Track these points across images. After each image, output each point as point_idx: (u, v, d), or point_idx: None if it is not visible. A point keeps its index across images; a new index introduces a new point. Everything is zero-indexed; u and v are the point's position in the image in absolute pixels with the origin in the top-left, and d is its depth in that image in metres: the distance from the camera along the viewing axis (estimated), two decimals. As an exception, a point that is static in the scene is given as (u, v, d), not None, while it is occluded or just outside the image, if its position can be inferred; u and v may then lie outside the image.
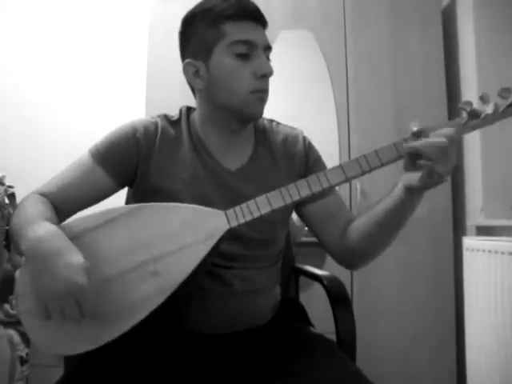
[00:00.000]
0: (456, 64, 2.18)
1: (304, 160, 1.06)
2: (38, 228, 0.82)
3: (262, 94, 0.96)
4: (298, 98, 2.12)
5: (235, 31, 0.93)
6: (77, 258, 0.78)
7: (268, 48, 0.98)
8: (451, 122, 0.83)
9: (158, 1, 2.14)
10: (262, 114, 0.99)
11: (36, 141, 2.39)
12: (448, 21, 2.21)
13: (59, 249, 0.79)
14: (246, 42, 0.93)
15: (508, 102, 0.80)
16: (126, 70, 2.48)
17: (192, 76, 0.99)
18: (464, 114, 0.82)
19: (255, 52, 0.94)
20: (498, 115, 0.81)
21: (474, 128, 0.83)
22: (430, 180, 0.80)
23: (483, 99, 0.81)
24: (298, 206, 1.05)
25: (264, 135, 1.07)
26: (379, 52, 2.14)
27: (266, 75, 0.95)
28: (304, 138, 1.09)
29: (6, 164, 2.07)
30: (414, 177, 0.82)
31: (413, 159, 0.81)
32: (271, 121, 1.11)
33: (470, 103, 0.82)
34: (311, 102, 2.12)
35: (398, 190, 0.88)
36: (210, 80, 0.96)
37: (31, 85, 2.43)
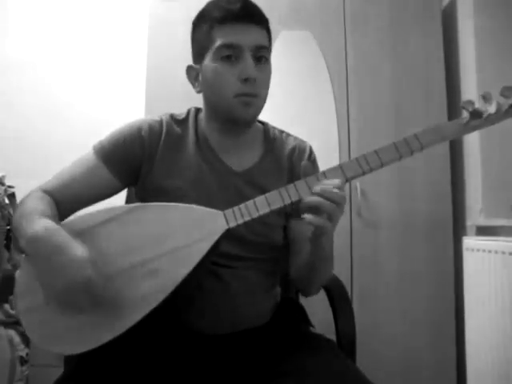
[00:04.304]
0: (456, 64, 2.18)
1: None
2: (36, 225, 0.82)
3: (246, 98, 0.94)
4: (298, 98, 2.12)
5: (221, 35, 0.93)
6: (80, 251, 0.79)
7: (261, 48, 0.95)
8: (452, 123, 0.82)
9: (158, 0, 2.14)
10: (250, 117, 0.98)
11: (36, 141, 2.39)
12: (448, 21, 2.21)
13: (60, 244, 0.79)
14: (230, 46, 0.93)
15: (511, 102, 0.78)
16: (125, 70, 2.47)
17: (193, 79, 1.02)
18: (466, 114, 0.81)
19: (241, 55, 0.93)
20: (500, 115, 0.79)
21: (475, 128, 0.81)
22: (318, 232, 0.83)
23: (485, 98, 0.80)
24: (287, 217, 1.05)
25: (273, 144, 1.07)
26: (379, 52, 2.13)
27: (248, 79, 0.93)
28: (310, 154, 1.09)
29: (6, 164, 2.07)
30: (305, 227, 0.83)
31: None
32: (282, 131, 1.11)
33: (472, 103, 0.80)
34: (311, 102, 2.12)
35: None
36: (203, 84, 0.99)
37: (31, 84, 2.43)
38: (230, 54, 0.93)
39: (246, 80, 0.93)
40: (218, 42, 0.93)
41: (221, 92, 0.95)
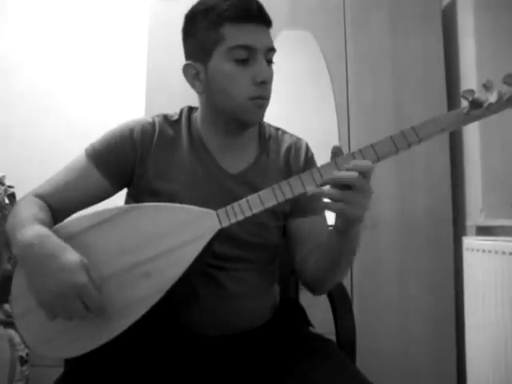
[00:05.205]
0: (456, 63, 2.18)
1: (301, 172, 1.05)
2: (27, 231, 0.80)
3: (260, 101, 0.93)
4: (298, 98, 2.12)
5: (234, 35, 0.90)
6: (73, 257, 0.77)
7: (271, 50, 0.94)
8: (452, 113, 0.79)
9: (158, 0, 2.14)
10: (260, 119, 0.98)
11: (36, 141, 2.39)
12: (448, 21, 2.21)
13: (52, 251, 0.78)
14: (245, 47, 0.90)
15: None
16: (125, 70, 2.47)
17: (192, 78, 0.97)
18: (466, 104, 0.78)
19: (255, 57, 0.91)
20: (502, 104, 0.76)
21: (476, 118, 0.78)
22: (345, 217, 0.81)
23: (486, 87, 0.77)
24: (287, 217, 1.04)
25: (269, 143, 1.05)
26: (379, 52, 2.13)
27: (264, 82, 0.92)
28: (307, 151, 1.07)
29: (5, 164, 2.07)
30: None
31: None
32: (277, 129, 1.09)
33: (472, 92, 0.77)
34: (311, 102, 2.12)
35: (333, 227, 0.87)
36: (209, 84, 0.95)
37: (31, 85, 2.43)
38: (247, 57, 0.91)
39: (261, 83, 0.92)
40: (232, 43, 0.90)
41: (233, 94, 0.92)
